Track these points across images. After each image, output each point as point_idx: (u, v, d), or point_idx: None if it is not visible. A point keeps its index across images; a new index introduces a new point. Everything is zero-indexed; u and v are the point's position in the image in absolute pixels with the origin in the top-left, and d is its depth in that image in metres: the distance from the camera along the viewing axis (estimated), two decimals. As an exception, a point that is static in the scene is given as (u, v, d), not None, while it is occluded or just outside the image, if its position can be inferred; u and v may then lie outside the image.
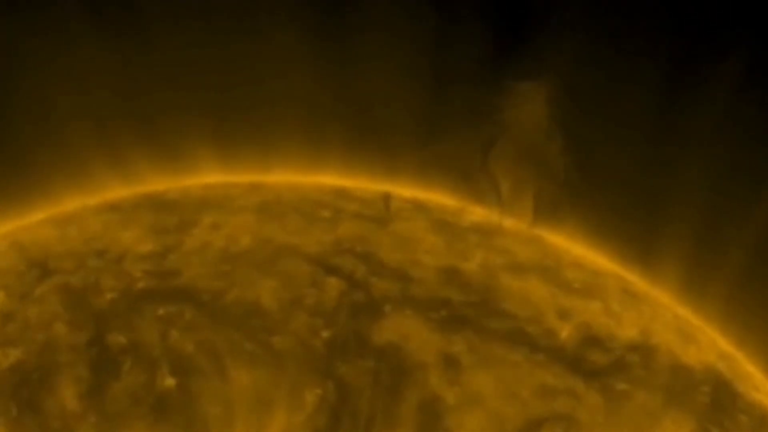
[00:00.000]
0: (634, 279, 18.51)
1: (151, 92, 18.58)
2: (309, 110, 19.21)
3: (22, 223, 17.82)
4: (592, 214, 18.57)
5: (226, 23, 18.44)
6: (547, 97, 17.50)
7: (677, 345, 16.80)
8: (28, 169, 18.20)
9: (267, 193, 18.27)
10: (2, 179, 17.96)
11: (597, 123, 18.28)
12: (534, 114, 17.69)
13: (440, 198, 19.06)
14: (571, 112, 17.77)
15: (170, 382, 13.13)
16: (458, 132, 18.59)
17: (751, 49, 17.09)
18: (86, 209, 17.93)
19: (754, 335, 18.03)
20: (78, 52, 17.89)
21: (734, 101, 17.34)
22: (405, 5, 18.21)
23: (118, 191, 18.71)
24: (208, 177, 19.08)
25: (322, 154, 19.40)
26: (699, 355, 16.84)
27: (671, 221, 18.16)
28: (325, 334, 14.07)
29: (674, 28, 17.37)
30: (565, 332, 15.44)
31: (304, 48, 18.42)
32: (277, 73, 18.89)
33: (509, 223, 18.31)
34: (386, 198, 17.95)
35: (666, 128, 18.10)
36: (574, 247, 18.75)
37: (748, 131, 17.60)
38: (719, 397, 16.01)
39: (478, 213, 18.48)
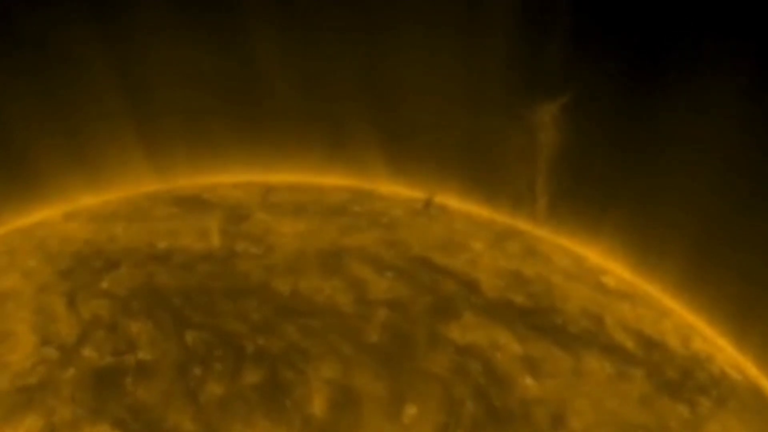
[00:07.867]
0: (647, 286, 18.51)
1: (158, 93, 18.00)
2: (323, 109, 18.76)
3: (39, 218, 16.74)
4: (604, 222, 18.54)
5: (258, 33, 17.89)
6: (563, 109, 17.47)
7: (713, 353, 16.90)
8: (42, 165, 17.25)
9: (296, 194, 17.66)
10: (16, 175, 17.02)
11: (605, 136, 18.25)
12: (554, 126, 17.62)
13: (459, 203, 18.74)
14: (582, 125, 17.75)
15: (266, 380, 12.40)
16: (485, 138, 18.35)
17: (749, 56, 17.23)
18: (107, 204, 16.98)
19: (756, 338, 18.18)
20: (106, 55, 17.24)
21: (736, 105, 17.42)
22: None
23: (128, 189, 17.89)
24: (229, 177, 18.44)
25: (339, 154, 18.94)
26: (730, 362, 16.92)
27: (679, 229, 18.22)
28: (406, 333, 13.50)
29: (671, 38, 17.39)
30: (629, 340, 15.27)
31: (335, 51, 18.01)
32: (290, 76, 18.42)
33: (527, 227, 18.18)
34: (428, 202, 17.49)
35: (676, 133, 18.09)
36: (593, 255, 18.65)
37: (751, 133, 17.69)
38: (760, 405, 16.08)
39: (502, 221, 18.23)
